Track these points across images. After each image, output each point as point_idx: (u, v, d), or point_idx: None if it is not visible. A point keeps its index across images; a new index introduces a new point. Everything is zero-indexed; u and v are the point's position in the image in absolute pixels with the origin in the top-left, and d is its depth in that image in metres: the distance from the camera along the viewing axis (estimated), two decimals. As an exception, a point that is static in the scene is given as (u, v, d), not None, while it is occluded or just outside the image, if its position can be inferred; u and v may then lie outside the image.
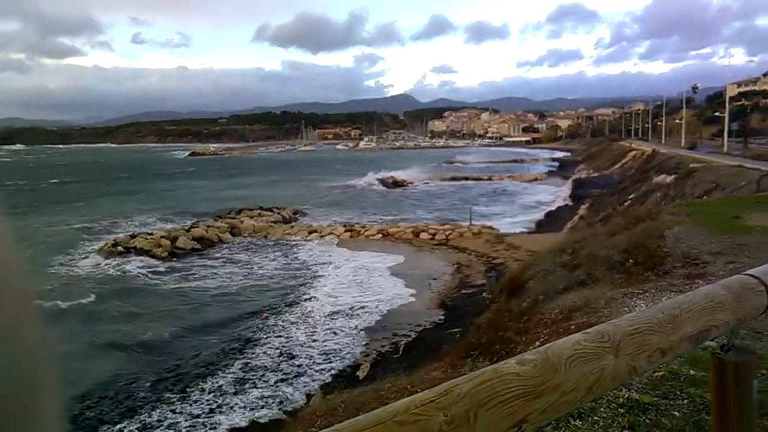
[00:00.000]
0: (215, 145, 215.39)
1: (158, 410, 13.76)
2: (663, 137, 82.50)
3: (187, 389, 14.85)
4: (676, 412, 3.47)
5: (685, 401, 3.61)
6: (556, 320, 7.42)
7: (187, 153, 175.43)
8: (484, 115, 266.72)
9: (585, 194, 47.64)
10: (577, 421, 3.40)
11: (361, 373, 14.53)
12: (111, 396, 14.61)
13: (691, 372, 4.09)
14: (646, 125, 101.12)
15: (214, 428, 12.75)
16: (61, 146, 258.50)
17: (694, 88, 74.58)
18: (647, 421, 3.36)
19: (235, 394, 14.47)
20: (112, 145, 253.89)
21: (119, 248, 31.58)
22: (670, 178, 32.71)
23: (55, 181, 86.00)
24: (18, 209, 50.65)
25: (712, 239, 10.26)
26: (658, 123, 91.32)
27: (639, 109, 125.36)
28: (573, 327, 6.03)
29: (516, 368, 1.49)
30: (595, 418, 3.42)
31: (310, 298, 22.87)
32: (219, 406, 13.83)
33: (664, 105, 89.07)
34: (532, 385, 1.47)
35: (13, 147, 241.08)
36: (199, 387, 14.94)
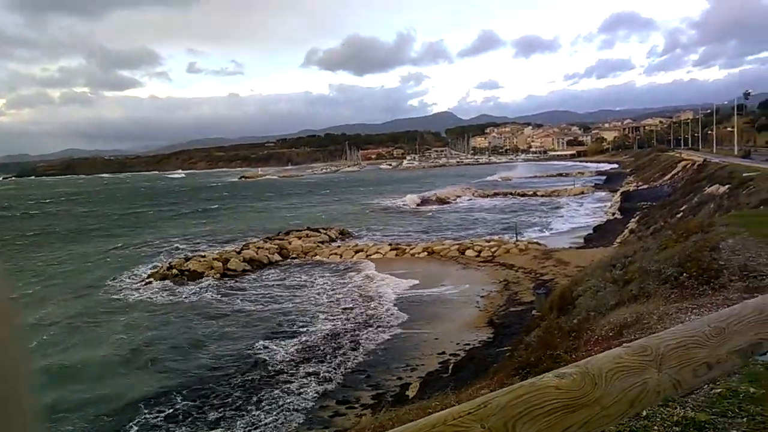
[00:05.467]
0: (263, 168, 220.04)
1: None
2: (714, 146, 79.82)
3: (239, 408, 15.07)
4: (734, 431, 3.34)
5: (744, 419, 3.47)
6: (606, 337, 7.24)
7: (236, 178, 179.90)
8: (527, 130, 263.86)
9: (634, 207, 46.41)
10: (628, 438, 3.31)
11: (410, 392, 14.47)
12: (154, 408, 14.97)
13: (752, 389, 3.93)
14: (696, 134, 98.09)
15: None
16: (120, 175, 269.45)
17: (746, 95, 72.07)
18: (702, 439, 3.25)
19: (282, 412, 14.61)
20: (165, 173, 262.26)
21: (174, 271, 32.47)
22: (723, 188, 31.52)
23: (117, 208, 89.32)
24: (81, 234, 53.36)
25: (771, 250, 9.82)
26: (709, 132, 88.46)
27: (688, 118, 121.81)
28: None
29: (554, 381, 1.50)
30: (648, 435, 3.33)
31: (354, 318, 22.97)
32: (267, 426, 13.98)
33: (714, 113, 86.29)
34: (571, 398, 1.48)
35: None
36: (251, 405, 15.14)
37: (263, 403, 15.34)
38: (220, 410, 15.10)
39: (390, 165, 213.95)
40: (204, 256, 35.67)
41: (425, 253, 35.61)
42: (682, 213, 31.52)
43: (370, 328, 21.50)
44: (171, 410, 15.24)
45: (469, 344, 18.67)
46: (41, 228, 62.37)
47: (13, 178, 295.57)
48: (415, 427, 1.29)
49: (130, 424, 14.58)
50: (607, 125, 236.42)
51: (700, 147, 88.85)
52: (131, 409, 15.46)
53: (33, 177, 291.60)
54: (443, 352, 18.17)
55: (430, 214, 60.29)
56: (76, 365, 19.29)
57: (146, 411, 15.27)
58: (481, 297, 24.89)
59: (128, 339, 22.07)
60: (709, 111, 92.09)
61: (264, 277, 32.79)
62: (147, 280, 32.04)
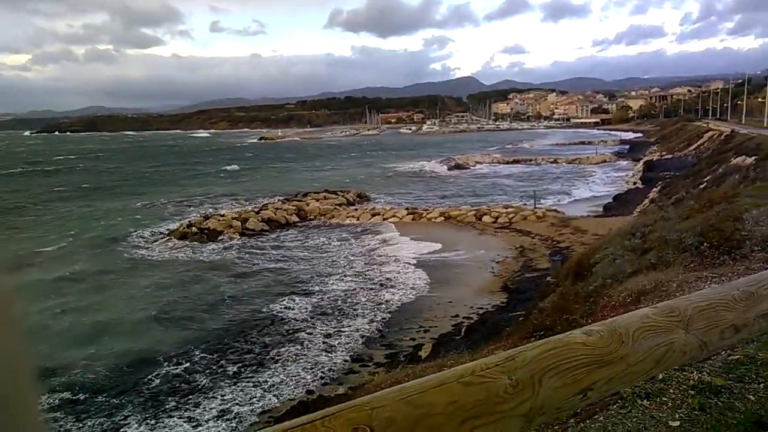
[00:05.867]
0: (283, 130, 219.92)
1: (235, 381, 14.40)
2: (743, 117, 77.79)
3: (258, 364, 15.43)
4: (751, 396, 3.35)
5: (761, 385, 3.48)
6: (624, 303, 7.23)
7: (255, 139, 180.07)
8: (551, 97, 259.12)
9: (656, 177, 45.73)
10: (645, 401, 3.33)
11: (423, 353, 14.66)
12: (170, 369, 15.39)
13: (770, 357, 3.92)
14: (725, 104, 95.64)
15: (286, 398, 13.25)
16: (144, 133, 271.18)
17: (781, 64, 69.53)
18: (719, 403, 3.25)
19: (298, 368, 14.94)
20: (188, 132, 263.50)
21: (193, 229, 32.90)
22: (749, 160, 30.85)
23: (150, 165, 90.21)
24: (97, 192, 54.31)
25: (797, 223, 9.65)
26: (738, 102, 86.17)
27: (718, 88, 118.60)
28: (642, 311, 5.86)
29: (582, 338, 1.51)
30: (664, 398, 3.35)
31: (370, 279, 23.20)
32: (283, 382, 14.32)
33: (746, 83, 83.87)
34: (598, 355, 1.48)
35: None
36: (268, 361, 15.50)
37: (279, 360, 15.68)
38: (237, 365, 15.47)
39: (410, 129, 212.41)
40: (223, 215, 36.06)
41: (442, 218, 35.61)
42: (705, 183, 31.02)
43: (385, 290, 21.72)
44: (189, 364, 15.66)
45: (482, 308, 18.80)
46: (69, 183, 63.41)
47: (41, 134, 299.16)
48: (443, 377, 1.30)
49: (150, 376, 15.01)
50: (633, 93, 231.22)
51: (729, 118, 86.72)
52: (152, 361, 15.90)
53: (57, 133, 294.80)
54: (456, 315, 18.34)
55: (449, 179, 60.05)
56: (99, 319, 19.81)
57: (166, 364, 15.70)
58: (496, 263, 24.92)
59: (149, 295, 22.56)
60: (740, 81, 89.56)
61: (282, 237, 33.12)
62: (167, 238, 32.53)
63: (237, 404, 13.36)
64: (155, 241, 32.28)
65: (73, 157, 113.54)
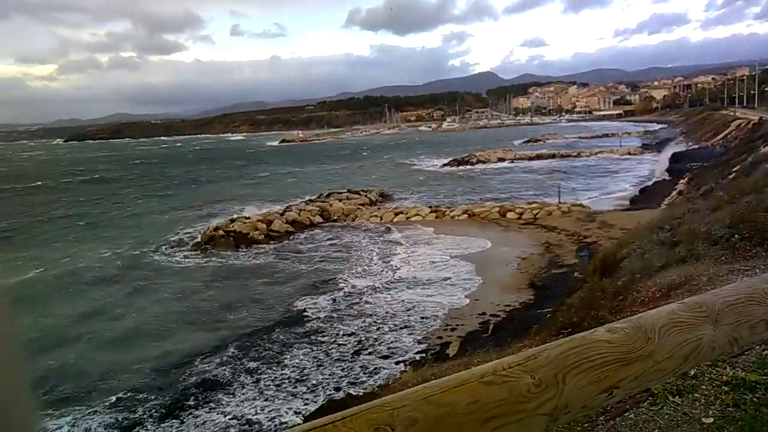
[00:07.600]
0: (303, 132, 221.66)
1: (261, 380, 14.55)
2: (772, 104, 75.95)
3: (282, 362, 15.55)
4: (786, 392, 3.26)
5: (798, 381, 3.38)
6: (653, 298, 7.11)
7: (277, 142, 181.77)
8: (572, 89, 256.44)
9: (684, 168, 44.85)
10: (677, 397, 3.27)
11: (450, 351, 14.62)
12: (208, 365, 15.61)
13: (805, 351, 3.82)
14: (752, 92, 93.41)
15: (314, 397, 13.34)
16: (179, 138, 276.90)
17: (810, 48, 67.69)
18: (754, 399, 3.17)
19: (321, 367, 15.02)
20: (222, 136, 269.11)
21: (220, 232, 33.26)
22: (780, 148, 30.14)
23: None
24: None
25: (831, 211, 9.39)
26: (766, 89, 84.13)
27: (744, 75, 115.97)
28: (671, 305, 5.75)
29: (606, 336, 1.48)
30: (696, 395, 3.28)
31: (395, 279, 23.20)
32: (313, 383, 14.40)
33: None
34: (623, 352, 1.46)
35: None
36: (296, 359, 15.60)
37: (307, 357, 15.79)
38: (259, 362, 15.69)
39: (430, 127, 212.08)
40: (248, 218, 36.37)
41: (465, 216, 35.43)
42: (734, 174, 30.33)
43: (410, 289, 21.70)
44: (220, 363, 15.90)
45: (509, 305, 18.67)
46: (118, 190, 64.80)
47: (70, 142, 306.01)
48: (464, 376, 1.29)
49: (183, 376, 15.28)
50: (656, 83, 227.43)
51: (756, 105, 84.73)
52: (185, 363, 16.17)
53: (90, 141, 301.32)
54: (483, 313, 18.23)
55: (471, 176, 59.76)
56: (132, 323, 20.25)
57: (199, 364, 15.96)
58: (522, 259, 24.70)
59: (178, 298, 22.94)
60: (767, 67, 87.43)
61: (307, 238, 33.30)
62: (196, 241, 33.00)
63: (264, 401, 13.50)
64: (186, 244, 32.79)
65: (115, 164, 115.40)
